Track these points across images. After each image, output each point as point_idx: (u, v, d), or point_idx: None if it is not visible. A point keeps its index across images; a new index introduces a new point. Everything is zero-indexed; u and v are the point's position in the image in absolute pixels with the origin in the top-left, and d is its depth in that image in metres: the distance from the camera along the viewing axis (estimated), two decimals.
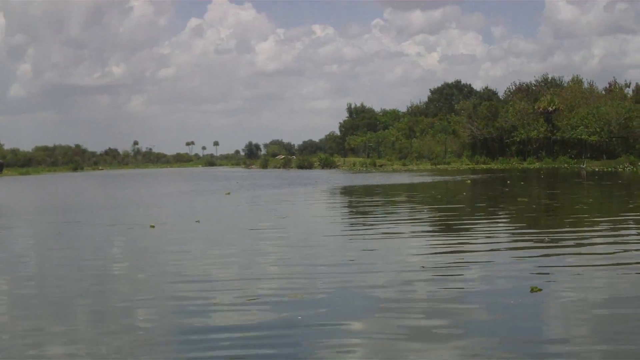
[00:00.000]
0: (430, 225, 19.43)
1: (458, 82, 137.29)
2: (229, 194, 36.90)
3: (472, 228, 18.31)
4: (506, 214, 22.58)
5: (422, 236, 16.81)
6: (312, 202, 30.71)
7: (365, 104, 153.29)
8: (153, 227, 19.76)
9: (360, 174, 71.65)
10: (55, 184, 68.14)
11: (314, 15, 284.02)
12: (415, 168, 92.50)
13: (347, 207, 28.70)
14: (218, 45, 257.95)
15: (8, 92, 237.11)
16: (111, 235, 18.45)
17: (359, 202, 30.78)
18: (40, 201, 37.40)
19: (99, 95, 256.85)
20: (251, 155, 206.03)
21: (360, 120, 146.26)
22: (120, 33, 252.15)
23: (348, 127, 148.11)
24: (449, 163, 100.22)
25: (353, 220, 22.32)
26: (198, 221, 21.17)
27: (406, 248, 14.55)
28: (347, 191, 39.35)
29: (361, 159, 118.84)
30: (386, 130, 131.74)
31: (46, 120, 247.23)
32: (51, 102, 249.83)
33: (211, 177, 71.38)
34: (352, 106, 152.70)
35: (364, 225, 19.99)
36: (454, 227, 19.14)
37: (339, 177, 61.83)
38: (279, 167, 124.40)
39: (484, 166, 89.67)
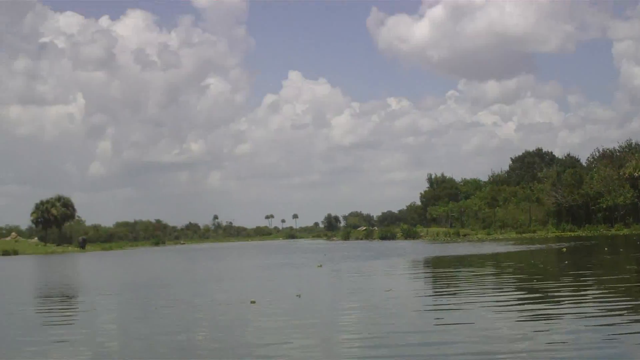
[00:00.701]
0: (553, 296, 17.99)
1: (539, 150, 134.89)
2: (320, 266, 35.85)
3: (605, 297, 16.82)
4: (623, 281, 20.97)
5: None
6: (412, 274, 29.46)
7: (445, 174, 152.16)
8: (254, 302, 18.80)
9: (447, 244, 69.84)
10: (141, 259, 68.16)
11: (388, 88, 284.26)
12: (500, 237, 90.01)
13: (453, 280, 27.26)
14: (294, 120, 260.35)
15: (88, 170, 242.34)
16: (214, 313, 17.47)
17: (470, 272, 29.22)
18: (130, 276, 36.89)
19: (178, 172, 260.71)
20: (330, 227, 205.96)
21: (441, 191, 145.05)
22: (197, 111, 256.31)
23: (429, 198, 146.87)
24: (534, 231, 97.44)
25: (477, 292, 20.97)
26: (299, 295, 20.17)
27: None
28: (440, 262, 37.93)
29: (444, 228, 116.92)
30: (468, 200, 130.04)
31: (126, 196, 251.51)
32: (131, 179, 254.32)
33: (295, 250, 70.60)
34: (433, 176, 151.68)
35: (499, 301, 18.62)
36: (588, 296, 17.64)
37: (426, 248, 60.08)
38: (361, 239, 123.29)
39: (571, 234, 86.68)
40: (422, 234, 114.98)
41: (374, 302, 18.23)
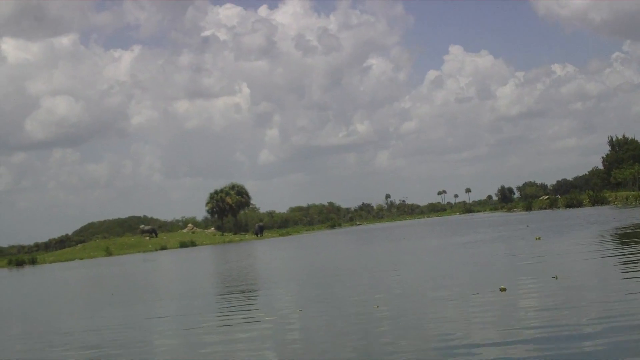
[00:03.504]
0: None
1: None
2: (539, 238, 31.07)
3: None
4: None
5: None
6: None
7: (626, 136, 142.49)
8: (504, 289, 14.63)
9: None
10: (331, 242, 65.42)
11: (551, 55, 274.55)
12: None
13: None
14: (458, 94, 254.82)
15: (258, 158, 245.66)
16: (472, 308, 13.50)
17: None
18: (347, 260, 33.56)
19: (346, 154, 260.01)
20: (505, 199, 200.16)
21: (625, 153, 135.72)
22: (361, 92, 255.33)
23: (612, 161, 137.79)
24: None
25: None
26: (555, 277, 15.81)
27: None
28: None
29: (634, 192, 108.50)
30: None
31: (297, 181, 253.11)
32: (300, 164, 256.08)
33: (484, 224, 65.46)
34: (614, 138, 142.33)
35: None
36: None
37: (625, 214, 53.38)
38: (545, 208, 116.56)
39: None
40: (610, 199, 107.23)
41: None
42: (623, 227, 34.78)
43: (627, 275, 15.71)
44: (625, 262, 18.14)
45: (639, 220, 39.96)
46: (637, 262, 17.75)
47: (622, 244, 25.03)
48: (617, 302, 12.15)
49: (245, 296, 20.33)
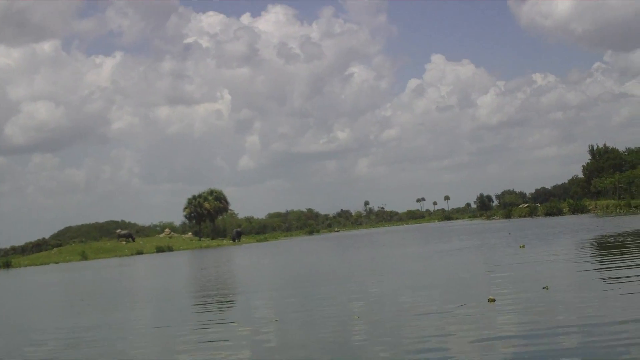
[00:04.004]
0: None
1: None
2: (522, 247, 30.26)
3: None
4: None
5: None
6: None
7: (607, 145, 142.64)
8: (493, 300, 13.79)
9: (623, 217, 62.16)
10: (309, 248, 64.39)
11: (533, 65, 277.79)
12: None
13: None
14: (439, 102, 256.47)
15: (238, 164, 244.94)
16: (459, 321, 12.57)
17: None
18: (331, 267, 32.60)
19: (327, 161, 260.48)
20: (483, 207, 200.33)
21: (605, 162, 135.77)
22: (342, 100, 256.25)
23: (592, 170, 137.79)
24: None
25: None
26: (546, 288, 14.99)
27: None
28: None
29: (614, 201, 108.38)
30: (636, 169, 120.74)
31: (277, 187, 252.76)
32: (280, 171, 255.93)
33: (465, 232, 64.60)
34: (595, 147, 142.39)
35: None
36: None
37: (605, 222, 52.65)
38: (524, 216, 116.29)
39: None
40: (590, 207, 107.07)
41: None
42: (609, 235, 34.07)
43: (620, 286, 14.86)
44: (616, 273, 17.35)
45: (623, 229, 39.32)
46: (628, 273, 16.93)
47: (611, 253, 24.28)
48: (615, 316, 11.33)
49: (218, 305, 19.33)
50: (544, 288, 15.01)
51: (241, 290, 23.10)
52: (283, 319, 14.52)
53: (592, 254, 24.39)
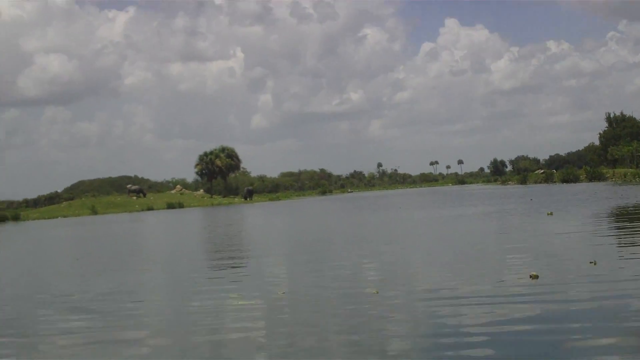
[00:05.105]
0: None
1: None
2: (551, 214, 28.40)
3: None
4: None
5: None
6: None
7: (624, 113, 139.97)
8: (535, 277, 11.98)
9: None
10: (321, 208, 62.68)
11: (547, 32, 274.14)
12: None
13: None
14: (452, 67, 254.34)
15: (251, 123, 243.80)
16: (497, 301, 10.72)
17: None
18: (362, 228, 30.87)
19: (339, 122, 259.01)
20: (497, 172, 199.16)
21: (622, 130, 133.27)
22: (355, 61, 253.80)
23: (609, 137, 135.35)
24: None
25: None
26: (593, 262, 13.18)
27: None
28: None
29: (631, 169, 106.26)
30: None
31: (289, 147, 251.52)
32: (293, 130, 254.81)
33: (483, 196, 62.64)
34: (612, 115, 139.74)
35: None
36: None
37: (627, 191, 50.57)
38: (540, 182, 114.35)
39: None
40: (607, 175, 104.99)
41: None
42: (635, 205, 32.14)
43: None
44: None
45: None
46: None
47: None
48: None
49: (218, 271, 17.60)
50: (591, 262, 13.20)
51: (248, 255, 21.31)
52: (293, 291, 12.77)
53: (628, 225, 22.46)
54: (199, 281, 15.14)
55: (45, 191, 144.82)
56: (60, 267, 21.89)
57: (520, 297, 10.54)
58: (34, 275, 19.48)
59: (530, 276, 11.98)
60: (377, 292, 11.73)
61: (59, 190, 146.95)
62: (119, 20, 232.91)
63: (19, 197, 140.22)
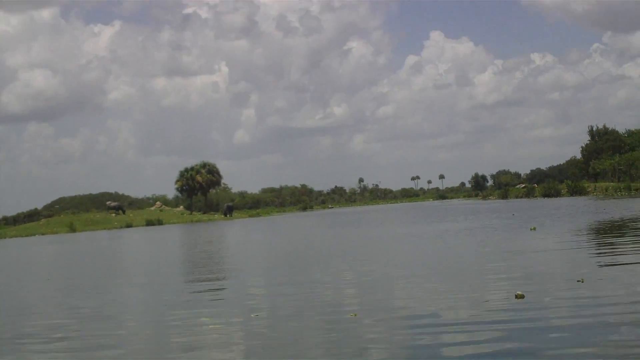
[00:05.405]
0: None
1: None
2: (534, 229, 27.92)
3: None
4: None
5: None
6: None
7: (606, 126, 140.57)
8: (521, 296, 11.44)
9: (622, 200, 59.64)
10: (301, 225, 62.05)
11: (532, 44, 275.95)
12: None
13: None
14: (436, 80, 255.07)
15: (234, 138, 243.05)
16: (483, 322, 10.17)
17: None
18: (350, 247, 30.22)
19: (322, 136, 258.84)
20: (478, 187, 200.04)
21: (604, 143, 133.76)
22: (339, 75, 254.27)
23: (591, 151, 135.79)
24: None
25: None
26: (581, 280, 12.65)
27: None
28: None
29: (613, 183, 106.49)
30: (635, 152, 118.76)
31: (271, 162, 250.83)
32: (275, 145, 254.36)
33: (465, 211, 62.36)
34: (594, 128, 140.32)
35: None
36: None
37: (609, 205, 50.07)
38: (521, 197, 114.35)
39: None
40: (589, 189, 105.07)
41: None
42: (620, 219, 31.76)
43: None
44: None
45: (632, 212, 36.99)
46: None
47: (631, 236, 22.01)
48: None
49: (193, 294, 16.98)
50: (578, 281, 12.67)
51: (224, 276, 20.66)
52: (267, 314, 12.16)
53: (611, 240, 21.99)
54: (172, 303, 14.50)
55: (26, 208, 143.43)
56: (28, 288, 21.18)
57: (505, 320, 9.99)
58: None
59: (516, 296, 11.42)
60: (356, 315, 11.15)
61: (38, 207, 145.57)
62: (105, 35, 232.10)
63: None
